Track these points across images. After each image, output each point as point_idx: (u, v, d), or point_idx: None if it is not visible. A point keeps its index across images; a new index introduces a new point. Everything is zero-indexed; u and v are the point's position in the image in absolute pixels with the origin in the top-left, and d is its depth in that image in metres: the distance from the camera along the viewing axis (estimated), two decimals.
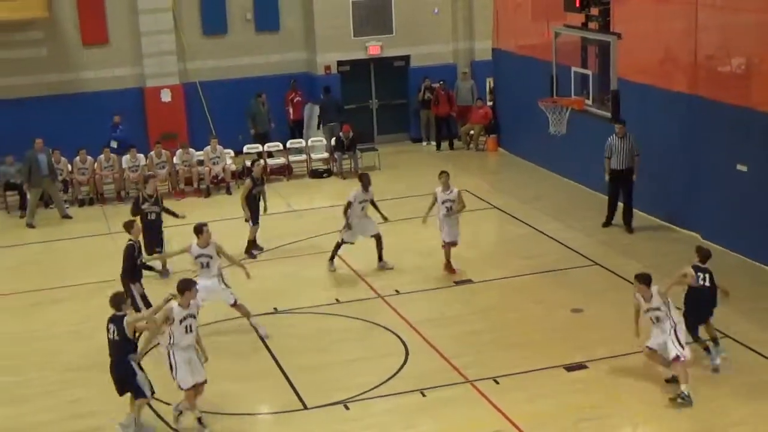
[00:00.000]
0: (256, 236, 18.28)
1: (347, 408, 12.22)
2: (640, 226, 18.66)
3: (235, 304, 14.49)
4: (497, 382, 12.60)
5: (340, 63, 26.33)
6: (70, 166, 22.68)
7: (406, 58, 26.81)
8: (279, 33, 26.44)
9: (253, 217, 18.16)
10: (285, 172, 24.21)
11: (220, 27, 25.94)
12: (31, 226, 20.91)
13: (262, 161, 18.95)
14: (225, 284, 14.56)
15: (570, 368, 13.01)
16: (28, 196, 21.40)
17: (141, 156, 22.96)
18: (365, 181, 17.15)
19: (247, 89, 25.07)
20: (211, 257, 14.38)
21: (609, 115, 15.45)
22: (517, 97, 23.68)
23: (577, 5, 15.78)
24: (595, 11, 15.64)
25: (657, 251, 17.35)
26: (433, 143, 26.44)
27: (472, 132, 25.91)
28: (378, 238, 17.16)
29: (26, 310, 16.07)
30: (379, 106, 27.20)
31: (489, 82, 26.21)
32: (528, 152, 24.04)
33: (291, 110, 25.72)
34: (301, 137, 25.18)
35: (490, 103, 26.02)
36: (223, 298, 14.46)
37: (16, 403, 12.76)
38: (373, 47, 26.37)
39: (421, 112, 26.56)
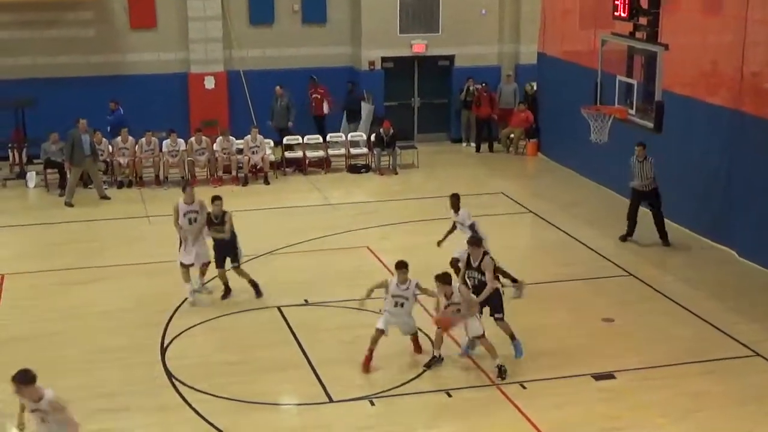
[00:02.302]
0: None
1: (372, 404, 12.25)
2: (677, 238, 18.54)
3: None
4: (524, 387, 12.59)
5: (384, 59, 26.35)
6: (111, 148, 22.91)
7: (451, 58, 26.79)
8: (325, 26, 26.51)
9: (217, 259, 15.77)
10: (323, 165, 24.28)
11: (268, 17, 26.06)
12: (69, 204, 21.12)
13: (220, 199, 15.50)
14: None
15: (598, 377, 12.96)
16: (69, 175, 21.63)
17: (181, 141, 23.12)
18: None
19: (290, 80, 25.17)
20: (197, 213, 15.34)
21: (652, 125, 15.36)
22: (560, 102, 23.59)
23: (626, 14, 15.71)
24: (643, 21, 15.56)
25: (691, 264, 17.26)
26: (473, 144, 26.39)
27: (512, 135, 25.85)
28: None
29: (63, 288, 16.23)
30: (421, 104, 27.20)
31: (530, 87, 26.07)
32: (567, 158, 23.96)
33: (314, 105, 25.58)
34: (321, 133, 25.04)
35: (522, 106, 25.84)
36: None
37: (48, 379, 12.85)
38: (418, 45, 26.37)
39: (463, 112, 26.53)
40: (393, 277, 13.43)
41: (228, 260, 15.55)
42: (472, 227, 15.75)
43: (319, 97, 25.47)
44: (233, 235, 15.53)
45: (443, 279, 13.09)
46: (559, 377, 12.89)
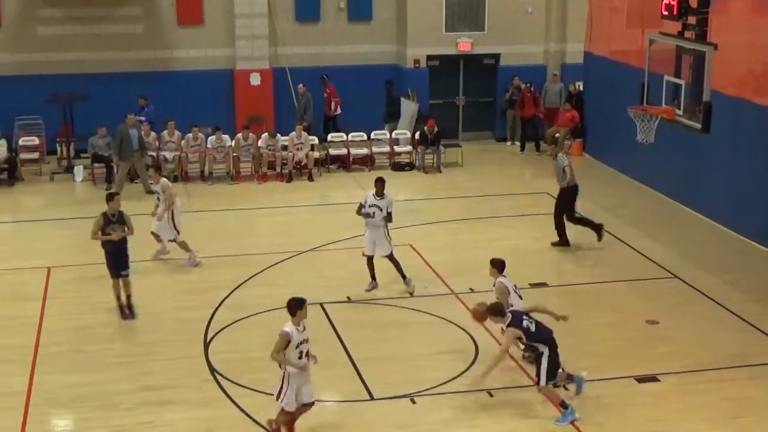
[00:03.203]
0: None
1: (414, 402, 12.25)
2: (724, 241, 18.36)
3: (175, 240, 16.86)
4: (566, 389, 12.51)
5: (429, 57, 26.31)
6: (158, 143, 23.10)
7: (497, 57, 26.70)
8: (371, 23, 26.54)
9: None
10: (367, 162, 24.30)
11: (314, 14, 26.12)
12: (150, 191, 21.24)
13: (118, 195, 15.38)
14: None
15: (641, 380, 12.86)
16: (116, 170, 21.83)
17: (226, 137, 23.25)
18: (379, 186, 15.59)
19: (335, 78, 25.22)
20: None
21: (699, 126, 15.19)
22: (606, 102, 23.42)
23: (675, 13, 15.53)
24: (692, 20, 15.38)
25: (738, 267, 17.06)
26: (518, 143, 26.28)
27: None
28: (390, 259, 15.81)
29: (108, 281, 16.33)
30: (466, 102, 27.13)
31: (573, 86, 25.86)
32: (613, 159, 23.77)
33: (334, 104, 25.37)
34: (335, 132, 24.84)
35: (568, 105, 25.60)
36: (169, 235, 16.95)
37: (93, 372, 13.04)
38: (464, 44, 26.30)
39: (508, 111, 26.43)
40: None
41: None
42: (389, 216, 15.78)
43: (326, 96, 25.39)
44: (125, 241, 14.97)
45: (495, 264, 13.49)
46: (602, 379, 12.79)
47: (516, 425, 11.77)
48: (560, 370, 12.06)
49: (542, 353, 11.81)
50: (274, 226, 18.91)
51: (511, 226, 19.32)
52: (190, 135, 23.04)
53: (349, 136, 24.48)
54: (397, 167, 24.19)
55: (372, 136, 24.70)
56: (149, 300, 15.52)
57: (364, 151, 24.42)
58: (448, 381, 12.77)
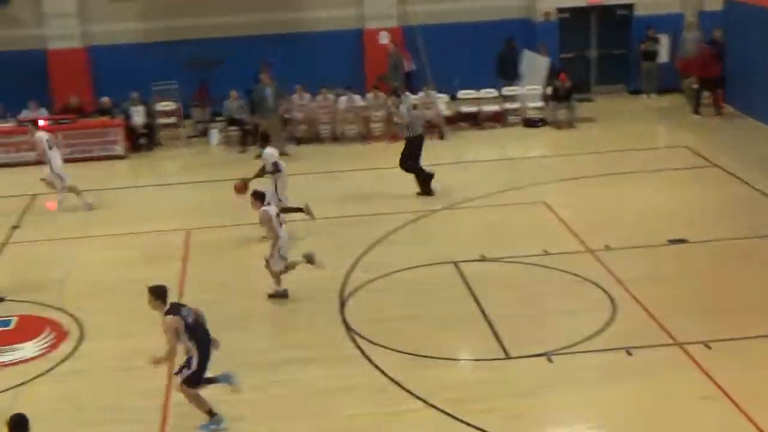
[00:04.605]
0: None
1: (550, 361, 12.09)
2: None
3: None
4: (709, 347, 12.13)
5: (560, 10, 25.75)
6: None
7: (629, 7, 25.94)
8: None
9: None
10: (498, 119, 24.01)
11: None
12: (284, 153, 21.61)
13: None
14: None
15: None
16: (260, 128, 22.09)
17: (357, 97, 23.28)
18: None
19: (464, 34, 24.97)
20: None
21: None
22: (749, 50, 22.49)
23: None
24: None
25: None
26: (653, 96, 25.53)
27: (695, 86, 24.84)
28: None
29: (246, 244, 16.60)
30: (598, 55, 26.48)
31: (717, 33, 24.87)
32: (757, 110, 22.83)
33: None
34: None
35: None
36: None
37: (237, 331, 13.18)
38: None
39: (642, 63, 25.67)
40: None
41: None
42: (275, 166, 16.22)
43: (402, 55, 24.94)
44: None
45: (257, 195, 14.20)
46: (747, 338, 12.36)
47: (657, 384, 11.47)
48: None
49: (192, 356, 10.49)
50: (406, 185, 18.88)
51: (647, 181, 18.82)
52: (320, 97, 23.17)
53: (480, 92, 24.20)
54: (530, 124, 23.82)
55: (503, 92, 24.35)
56: None
57: (495, 107, 24.11)
58: (586, 339, 12.55)
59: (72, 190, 18.80)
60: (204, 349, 10.49)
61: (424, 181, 18.59)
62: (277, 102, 22.09)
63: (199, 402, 10.69)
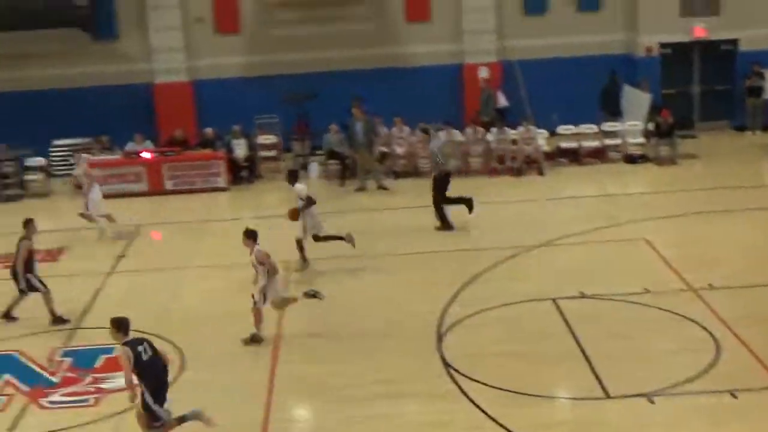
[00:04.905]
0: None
1: (652, 402, 11.82)
2: None
3: None
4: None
5: (662, 45, 25.46)
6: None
7: (734, 42, 25.51)
8: (599, 12, 25.97)
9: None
10: (599, 155, 23.77)
11: (541, 6, 25.83)
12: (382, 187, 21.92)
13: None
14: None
15: None
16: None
17: (456, 132, 23.33)
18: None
19: (563, 69, 24.88)
20: None
21: None
22: None
23: None
24: None
25: None
26: (758, 133, 25.01)
27: None
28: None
29: (342, 274, 16.73)
30: (702, 91, 26.07)
31: None
32: None
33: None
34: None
35: None
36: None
37: (329, 363, 13.30)
38: (699, 29, 25.27)
39: (748, 99, 25.19)
40: None
41: None
42: (308, 199, 16.58)
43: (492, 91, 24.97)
44: None
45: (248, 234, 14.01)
46: None
47: (763, 429, 11.14)
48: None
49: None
50: (504, 220, 18.82)
51: (751, 219, 18.41)
52: (418, 131, 23.27)
53: (579, 128, 24.02)
54: (630, 160, 23.53)
55: (603, 128, 24.13)
56: (379, 294, 15.79)
57: (596, 143, 23.89)
58: (688, 380, 12.27)
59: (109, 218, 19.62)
60: (152, 384, 10.54)
61: (447, 214, 18.80)
62: (368, 136, 22.24)
63: None
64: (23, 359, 13.80)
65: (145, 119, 25.04)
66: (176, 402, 12.12)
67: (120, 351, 10.49)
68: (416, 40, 25.73)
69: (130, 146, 23.82)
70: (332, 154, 23.31)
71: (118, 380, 12.85)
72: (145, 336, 11.04)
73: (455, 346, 13.64)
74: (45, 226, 20.89)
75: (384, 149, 23.22)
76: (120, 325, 10.58)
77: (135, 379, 10.50)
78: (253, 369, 13.18)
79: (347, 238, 16.89)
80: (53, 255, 18.42)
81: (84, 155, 21.72)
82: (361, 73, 25.16)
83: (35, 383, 13.03)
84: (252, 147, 24.01)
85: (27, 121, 24.35)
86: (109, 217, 19.54)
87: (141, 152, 23.44)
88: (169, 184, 22.41)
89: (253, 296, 13.86)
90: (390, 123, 23.59)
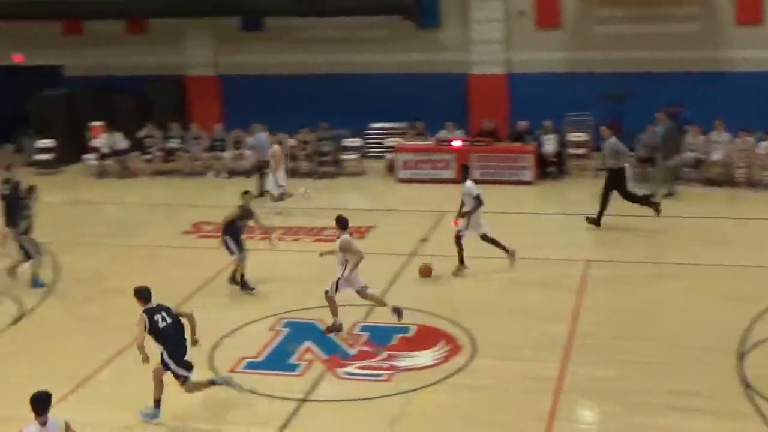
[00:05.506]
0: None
1: None
2: None
3: None
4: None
5: None
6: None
7: None
8: None
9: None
10: None
11: None
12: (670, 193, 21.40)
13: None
14: None
15: None
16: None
17: (750, 140, 22.10)
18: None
19: None
20: None
21: None
22: None
23: None
24: None
25: None
26: None
27: None
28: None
29: (638, 280, 16.33)
30: None
31: None
32: None
33: None
34: None
35: None
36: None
37: (619, 367, 12.97)
38: None
39: None
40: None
41: None
42: (477, 198, 16.36)
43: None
44: None
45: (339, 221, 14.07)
46: None
47: None
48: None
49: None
50: None
51: None
52: (738, 140, 22.23)
53: None
54: None
55: None
56: (681, 303, 15.30)
57: None
58: None
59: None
60: (170, 346, 11.45)
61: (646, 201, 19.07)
62: (666, 142, 21.41)
63: (156, 386, 11.50)
64: (324, 329, 14.46)
65: (458, 109, 25.49)
66: (471, 387, 12.29)
67: (139, 317, 11.41)
68: (745, 44, 24.44)
69: (441, 134, 24.38)
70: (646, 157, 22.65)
71: (413, 359, 13.27)
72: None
73: (759, 365, 12.88)
74: (357, 204, 22.06)
75: (698, 155, 22.31)
76: (141, 294, 11.55)
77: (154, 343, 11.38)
78: (543, 365, 13.09)
79: (510, 253, 16.80)
80: (362, 233, 19.13)
81: (281, 135, 23.35)
82: (680, 75, 24.23)
83: (333, 353, 13.61)
84: (562, 143, 23.84)
85: (347, 103, 25.50)
86: (282, 197, 21.11)
87: (452, 140, 23.92)
88: (476, 174, 22.69)
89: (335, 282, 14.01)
90: (707, 129, 22.59)
